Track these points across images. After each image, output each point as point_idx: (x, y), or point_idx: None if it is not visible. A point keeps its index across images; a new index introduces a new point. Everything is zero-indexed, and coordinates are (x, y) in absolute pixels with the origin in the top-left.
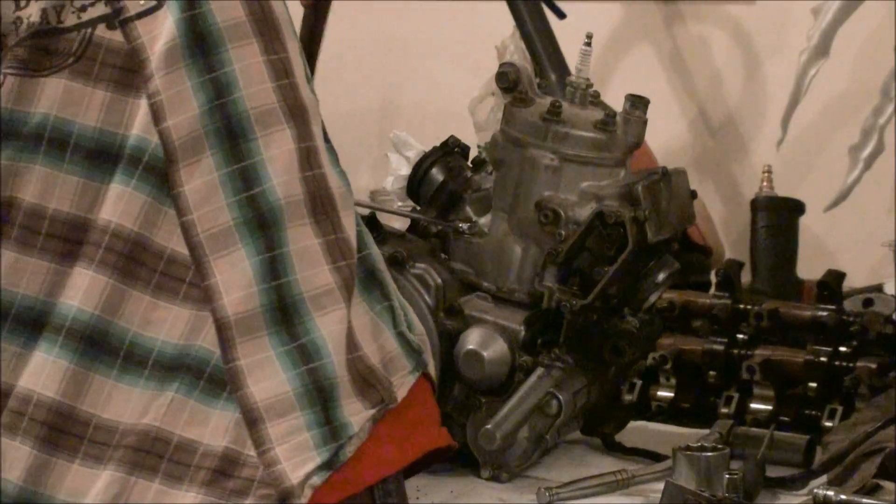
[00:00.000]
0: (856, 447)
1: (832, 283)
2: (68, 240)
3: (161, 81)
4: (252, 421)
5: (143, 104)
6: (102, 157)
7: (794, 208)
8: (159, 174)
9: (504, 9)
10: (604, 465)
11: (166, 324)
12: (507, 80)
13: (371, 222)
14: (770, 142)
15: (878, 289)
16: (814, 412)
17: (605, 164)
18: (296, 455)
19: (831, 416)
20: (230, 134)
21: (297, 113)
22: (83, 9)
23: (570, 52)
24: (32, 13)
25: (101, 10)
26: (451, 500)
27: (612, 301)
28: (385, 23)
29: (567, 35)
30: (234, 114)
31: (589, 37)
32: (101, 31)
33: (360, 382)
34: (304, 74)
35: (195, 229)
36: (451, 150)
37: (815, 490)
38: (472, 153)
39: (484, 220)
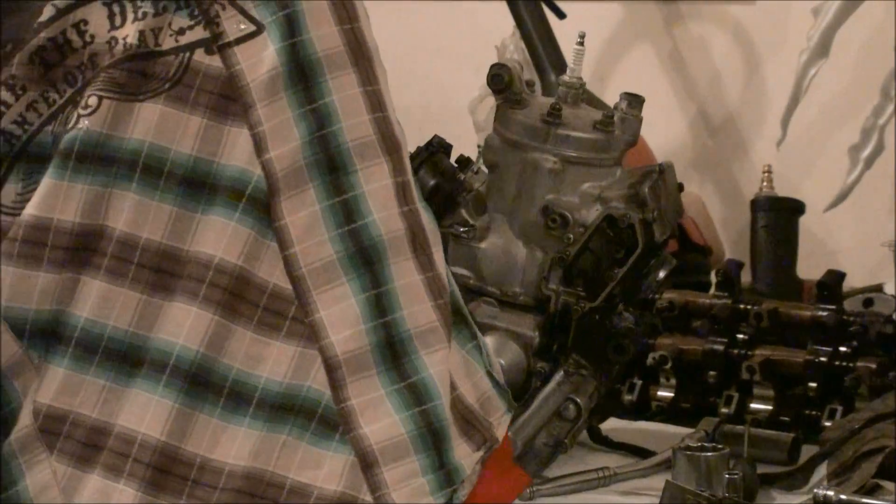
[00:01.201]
0: (847, 439)
1: (832, 283)
2: (161, 270)
3: (264, 111)
4: (367, 465)
5: (244, 134)
6: (197, 185)
7: (794, 208)
8: (262, 206)
9: (504, 9)
10: (595, 462)
11: (270, 361)
12: (501, 81)
13: None
14: (770, 142)
15: (878, 289)
16: (814, 412)
17: (604, 165)
18: (413, 500)
19: (831, 416)
20: (331, 166)
21: (392, 146)
22: (182, 32)
23: (570, 51)
24: (129, 34)
25: (199, 34)
26: None
27: (614, 301)
28: (385, 23)
29: (567, 35)
30: (334, 146)
31: (581, 36)
32: (199, 55)
33: (463, 423)
34: (392, 107)
35: (298, 262)
36: (436, 151)
37: (815, 490)
38: (473, 153)
39: (481, 223)
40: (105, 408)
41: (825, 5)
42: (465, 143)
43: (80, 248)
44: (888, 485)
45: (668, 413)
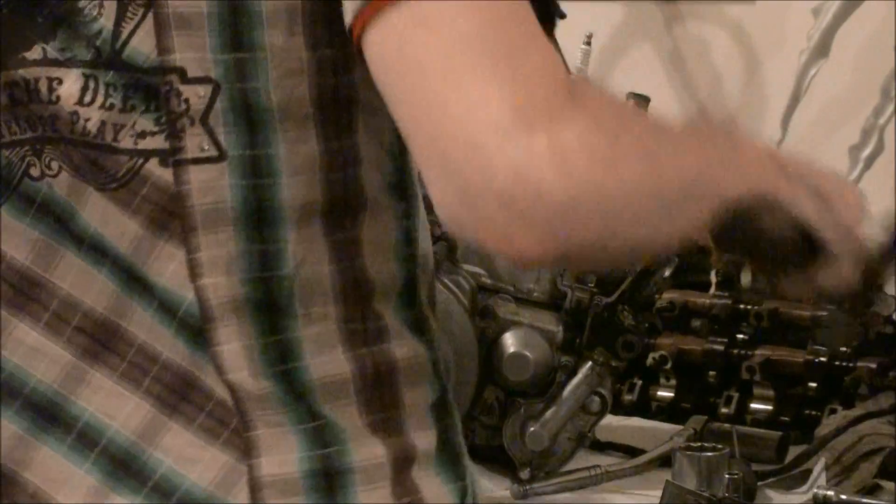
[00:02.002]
0: (835, 435)
1: None
2: (98, 341)
3: (205, 238)
4: None
5: (180, 255)
6: (133, 285)
7: None
8: (194, 330)
9: None
10: (586, 461)
11: (201, 465)
12: None
13: None
14: (770, 142)
15: (878, 289)
16: (814, 412)
17: None
18: None
19: (831, 416)
20: (271, 307)
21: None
22: (143, 135)
23: (571, 52)
24: (92, 119)
25: (158, 142)
26: None
27: (623, 298)
28: None
29: (567, 35)
30: (276, 288)
31: (589, 36)
32: (152, 164)
33: None
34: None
35: (238, 390)
36: None
37: (815, 490)
38: None
39: None
40: (14, 457)
41: (825, 5)
42: None
43: (24, 293)
44: (888, 485)
45: (668, 413)
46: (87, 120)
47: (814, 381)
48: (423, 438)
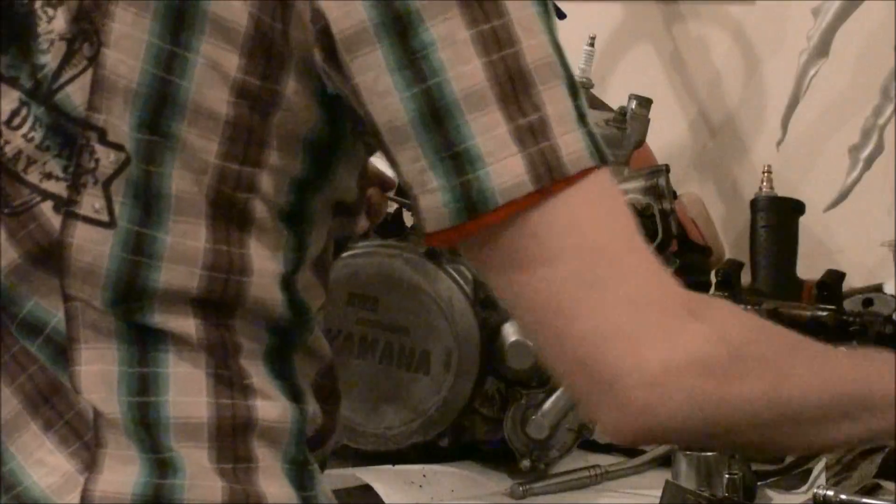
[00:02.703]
0: None
1: (832, 283)
2: None
3: (76, 283)
4: None
5: (54, 283)
6: (6, 294)
7: (794, 208)
8: (58, 348)
9: None
10: (586, 461)
11: (45, 469)
12: None
13: (396, 219)
14: (770, 142)
15: (878, 289)
16: None
17: (616, 162)
18: None
19: None
20: (139, 339)
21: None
22: (48, 177)
23: (570, 51)
24: (11, 143)
25: (60, 189)
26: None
27: None
28: None
29: (567, 35)
30: (146, 327)
31: (592, 38)
32: (46, 206)
33: None
34: None
35: (93, 412)
36: None
37: (815, 490)
38: None
39: None
40: None
41: (825, 5)
42: None
43: None
44: (888, 485)
45: None
46: (8, 143)
47: None
48: (277, 491)
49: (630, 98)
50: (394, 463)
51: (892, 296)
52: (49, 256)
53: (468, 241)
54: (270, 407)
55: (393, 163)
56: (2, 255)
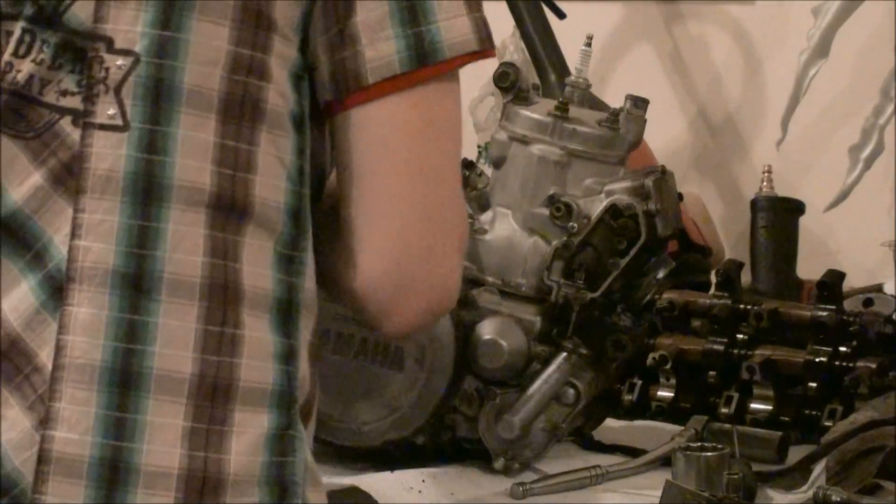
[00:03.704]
0: (842, 441)
1: (832, 283)
2: None
3: (90, 203)
4: None
5: (68, 212)
6: (15, 241)
7: (794, 208)
8: (55, 285)
9: (504, 9)
10: (588, 461)
11: (7, 422)
12: (507, 79)
13: None
14: (770, 142)
15: (878, 289)
16: (814, 412)
17: (609, 162)
18: None
19: (831, 416)
20: (136, 284)
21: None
22: (64, 94)
23: (570, 51)
24: (22, 71)
25: (76, 103)
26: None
27: (613, 297)
28: None
29: (567, 35)
30: (147, 267)
31: (589, 38)
32: (66, 122)
33: None
34: None
35: (65, 355)
36: None
37: (815, 489)
38: (473, 153)
39: (485, 218)
40: None
41: (825, 5)
42: (465, 142)
43: None
44: (888, 484)
45: (668, 413)
46: (18, 71)
47: (814, 381)
48: (246, 459)
49: (626, 98)
50: (392, 468)
51: (892, 296)
52: (70, 173)
53: (389, 99)
54: (257, 368)
55: (347, 19)
56: (23, 182)
